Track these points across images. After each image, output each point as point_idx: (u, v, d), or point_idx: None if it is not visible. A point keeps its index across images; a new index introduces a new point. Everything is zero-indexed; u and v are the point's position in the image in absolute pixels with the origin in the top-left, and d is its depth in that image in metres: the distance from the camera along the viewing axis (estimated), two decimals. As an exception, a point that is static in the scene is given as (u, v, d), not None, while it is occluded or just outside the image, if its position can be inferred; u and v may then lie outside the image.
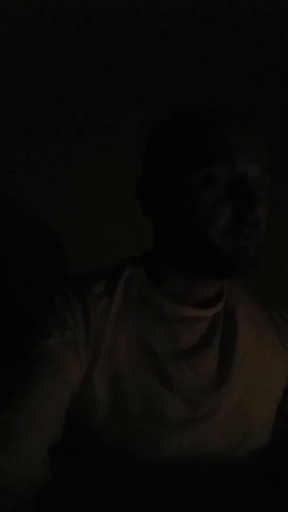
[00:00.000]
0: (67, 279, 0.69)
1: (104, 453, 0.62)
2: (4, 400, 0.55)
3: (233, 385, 0.66)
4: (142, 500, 0.61)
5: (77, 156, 0.96)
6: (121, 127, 0.98)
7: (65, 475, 0.63)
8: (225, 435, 0.64)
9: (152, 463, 0.61)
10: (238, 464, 0.65)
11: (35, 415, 0.55)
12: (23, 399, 0.56)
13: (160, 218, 0.67)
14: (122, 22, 0.98)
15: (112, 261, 0.72)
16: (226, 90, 1.01)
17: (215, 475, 0.63)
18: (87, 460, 0.63)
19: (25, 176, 0.94)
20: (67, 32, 0.96)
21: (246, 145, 0.61)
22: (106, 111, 0.98)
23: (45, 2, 0.94)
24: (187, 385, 0.64)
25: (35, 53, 0.95)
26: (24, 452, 0.53)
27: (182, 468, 0.62)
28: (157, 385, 0.63)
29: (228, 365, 0.67)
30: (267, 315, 0.75)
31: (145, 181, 0.68)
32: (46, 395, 0.57)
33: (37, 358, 0.59)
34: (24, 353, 0.59)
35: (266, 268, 0.68)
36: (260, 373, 0.69)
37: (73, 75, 0.97)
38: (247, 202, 0.60)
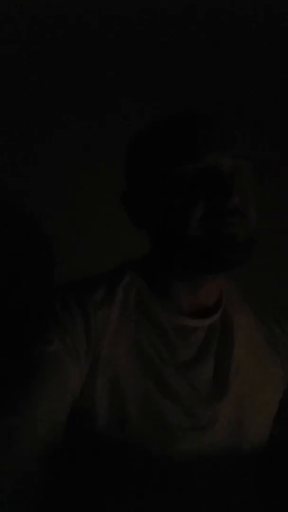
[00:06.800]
0: (68, 284, 0.68)
1: (104, 458, 0.62)
2: (5, 405, 0.55)
3: (229, 395, 0.66)
4: (141, 504, 0.61)
5: (76, 158, 0.96)
6: (121, 129, 0.97)
7: (66, 478, 0.63)
8: (222, 444, 0.64)
9: (151, 469, 0.61)
10: (234, 470, 0.65)
11: (35, 421, 0.55)
12: (23, 404, 0.55)
13: (146, 227, 0.68)
14: (123, 21, 0.98)
15: (110, 264, 0.72)
16: (226, 90, 1.01)
17: (212, 481, 0.64)
18: (87, 464, 0.63)
19: (23, 178, 0.94)
20: (66, 31, 0.96)
21: (213, 139, 0.61)
22: (104, 112, 0.98)
23: (46, 1, 0.94)
24: (184, 395, 0.64)
25: (33, 54, 0.94)
26: (24, 456, 0.53)
27: (180, 473, 0.62)
28: (155, 394, 0.63)
29: (225, 376, 0.66)
30: (264, 323, 0.74)
31: (128, 194, 0.69)
32: (46, 401, 0.56)
33: (38, 364, 0.58)
34: (25, 359, 0.59)
35: (266, 273, 0.67)
36: (256, 383, 0.69)
37: (72, 78, 0.96)
38: (219, 190, 0.59)
